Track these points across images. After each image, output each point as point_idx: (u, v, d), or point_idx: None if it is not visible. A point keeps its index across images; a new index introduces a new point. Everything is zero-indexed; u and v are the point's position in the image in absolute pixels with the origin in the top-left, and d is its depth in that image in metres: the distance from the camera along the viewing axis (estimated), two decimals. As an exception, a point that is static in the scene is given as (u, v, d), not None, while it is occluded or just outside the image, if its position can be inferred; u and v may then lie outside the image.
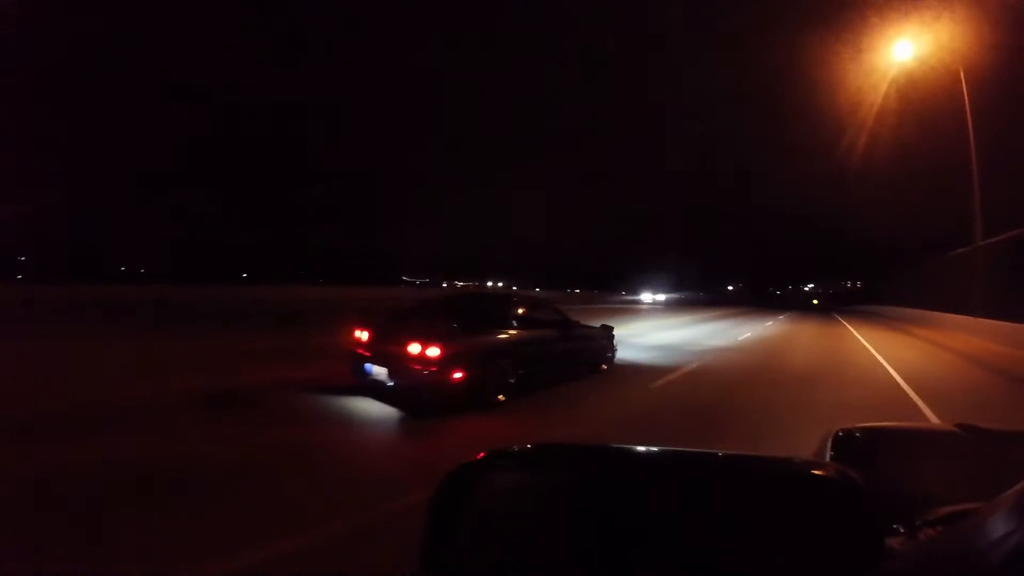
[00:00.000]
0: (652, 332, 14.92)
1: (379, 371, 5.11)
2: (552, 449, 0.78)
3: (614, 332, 8.03)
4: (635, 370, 7.70)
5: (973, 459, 1.13)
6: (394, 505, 2.73)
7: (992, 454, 1.13)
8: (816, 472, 0.63)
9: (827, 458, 1.11)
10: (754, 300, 68.85)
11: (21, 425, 4.02)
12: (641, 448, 0.73)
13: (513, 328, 5.74)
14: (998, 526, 0.42)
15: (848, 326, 19.33)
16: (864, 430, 1.28)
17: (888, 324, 21.01)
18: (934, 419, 4.89)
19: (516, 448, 0.72)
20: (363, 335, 5.51)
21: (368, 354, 5.32)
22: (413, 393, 4.86)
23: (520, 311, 6.10)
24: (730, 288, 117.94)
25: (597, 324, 7.88)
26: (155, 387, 5.52)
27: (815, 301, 76.36)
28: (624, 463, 0.71)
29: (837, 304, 63.20)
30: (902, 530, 0.68)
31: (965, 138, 15.28)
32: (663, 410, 5.30)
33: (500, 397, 5.18)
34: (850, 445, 1.19)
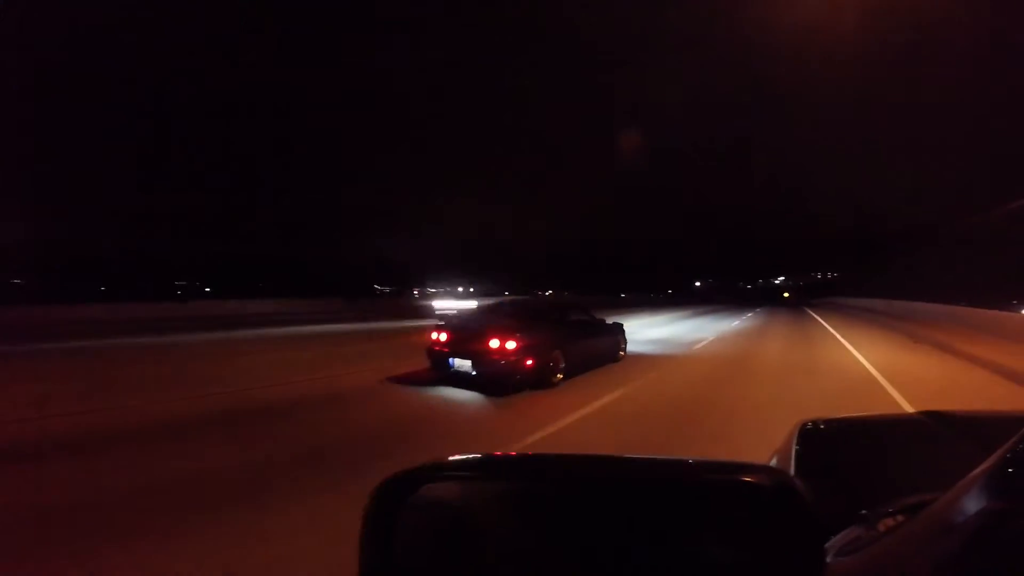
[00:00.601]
0: (637, 331, 16.69)
1: (462, 363, 6.63)
2: (488, 460, 0.76)
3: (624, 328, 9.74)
4: (641, 358, 9.48)
5: (937, 445, 1.16)
6: (526, 441, 4.31)
7: (955, 439, 1.16)
8: (748, 478, 0.59)
9: (793, 451, 1.13)
10: (724, 297, 69.82)
11: (280, 407, 5.61)
12: (578, 456, 0.73)
13: (562, 326, 7.38)
14: (958, 512, 0.42)
15: (824, 324, 18.78)
16: (829, 422, 1.31)
17: (866, 318, 21.33)
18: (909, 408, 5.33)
19: (451, 459, 0.70)
20: (442, 336, 7.02)
21: (448, 351, 6.83)
22: (494, 378, 6.38)
23: (565, 313, 7.83)
24: (697, 284, 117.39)
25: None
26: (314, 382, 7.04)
27: (786, 295, 78.14)
28: (558, 472, 0.70)
29: (809, 297, 65.55)
30: (865, 521, 0.68)
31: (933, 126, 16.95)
32: (658, 383, 7.05)
33: (558, 377, 6.82)
34: (816, 437, 1.22)
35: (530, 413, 5.46)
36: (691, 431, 4.73)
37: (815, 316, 24.15)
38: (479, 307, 8.60)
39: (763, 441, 2.58)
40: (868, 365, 8.50)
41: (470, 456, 0.71)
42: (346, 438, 4.55)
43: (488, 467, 0.72)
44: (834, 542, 0.66)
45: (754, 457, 0.96)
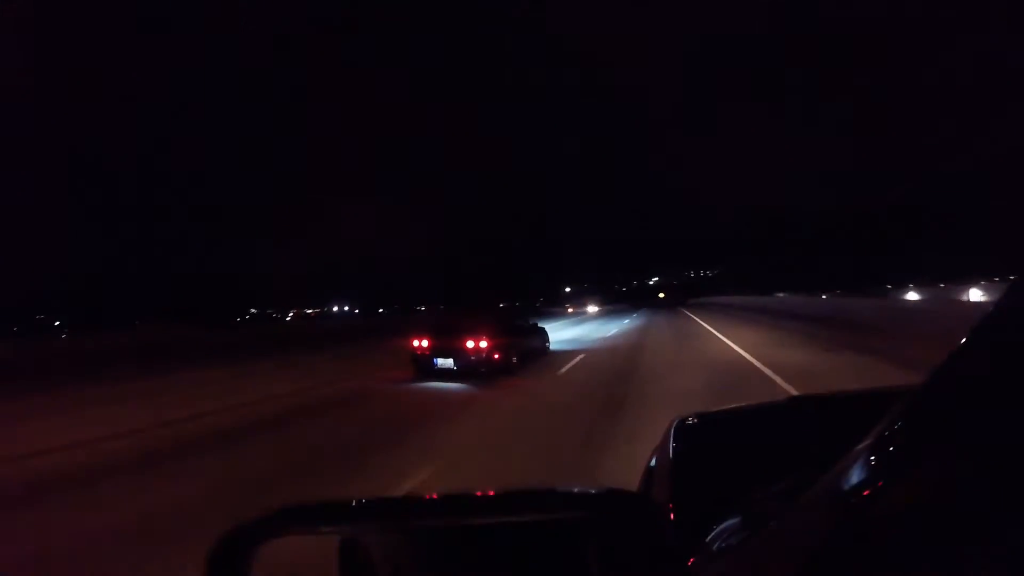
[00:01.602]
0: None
1: (444, 361, 9.10)
2: (338, 505, 0.70)
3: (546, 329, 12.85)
4: (559, 353, 12.67)
5: (811, 427, 1.20)
6: (528, 392, 7.02)
7: (831, 420, 1.20)
8: (599, 509, 0.61)
9: (670, 448, 1.15)
10: (593, 300, 66.80)
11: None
12: (425, 497, 0.68)
13: (512, 328, 10.21)
14: (835, 491, 0.43)
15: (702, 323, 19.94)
16: (703, 415, 1.37)
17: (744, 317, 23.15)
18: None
19: (301, 505, 0.65)
20: (423, 343, 9.41)
21: (430, 353, 9.26)
22: (471, 369, 8.92)
23: (512, 319, 10.75)
24: (568, 290, 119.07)
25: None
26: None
27: (662, 295, 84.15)
28: (408, 513, 0.69)
29: (686, 297, 67.92)
30: (743, 508, 0.69)
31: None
32: (582, 367, 10.20)
33: (514, 362, 9.61)
34: (690, 432, 1.27)
35: (512, 386, 8.14)
36: (619, 388, 7.72)
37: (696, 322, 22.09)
38: (445, 315, 11.14)
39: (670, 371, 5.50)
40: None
41: (325, 500, 0.68)
42: (385, 420, 6.70)
43: (342, 512, 0.69)
44: (715, 534, 0.67)
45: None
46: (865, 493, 0.39)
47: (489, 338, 9.08)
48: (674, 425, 1.28)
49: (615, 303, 64.96)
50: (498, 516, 0.64)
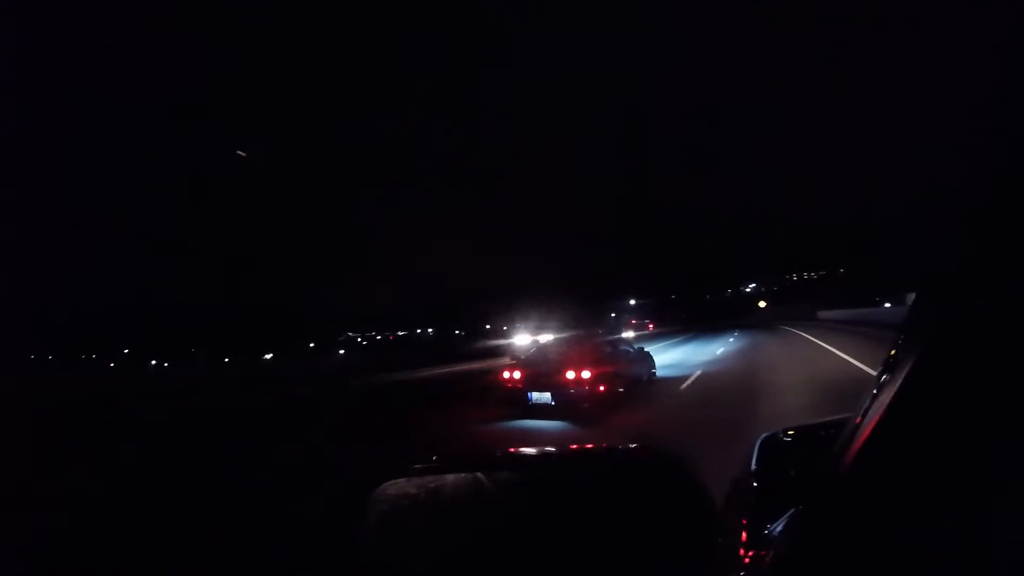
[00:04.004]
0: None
1: (540, 396, 8.27)
2: (431, 461, 0.94)
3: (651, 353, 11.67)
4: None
5: None
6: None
7: None
8: (633, 458, 0.78)
9: (752, 464, 1.21)
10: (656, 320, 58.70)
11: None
12: (491, 455, 1.01)
13: (619, 355, 9.22)
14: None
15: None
16: (787, 432, 1.41)
17: None
18: None
19: (401, 463, 0.87)
20: (515, 375, 8.66)
21: (524, 387, 8.46)
22: (572, 405, 8.02)
23: (619, 343, 9.77)
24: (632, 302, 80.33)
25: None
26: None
27: (762, 304, 68.88)
28: (480, 466, 0.88)
29: (785, 304, 51.69)
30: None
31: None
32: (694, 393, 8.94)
33: (620, 392, 8.63)
34: (775, 449, 1.31)
35: (623, 424, 7.16)
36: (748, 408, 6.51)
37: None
38: (542, 345, 10.42)
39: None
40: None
41: (424, 463, 0.93)
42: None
43: (430, 466, 0.93)
44: (773, 527, 0.75)
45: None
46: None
47: (592, 366, 8.16)
48: (759, 441, 1.31)
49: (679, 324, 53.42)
50: (546, 470, 0.90)
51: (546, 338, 15.40)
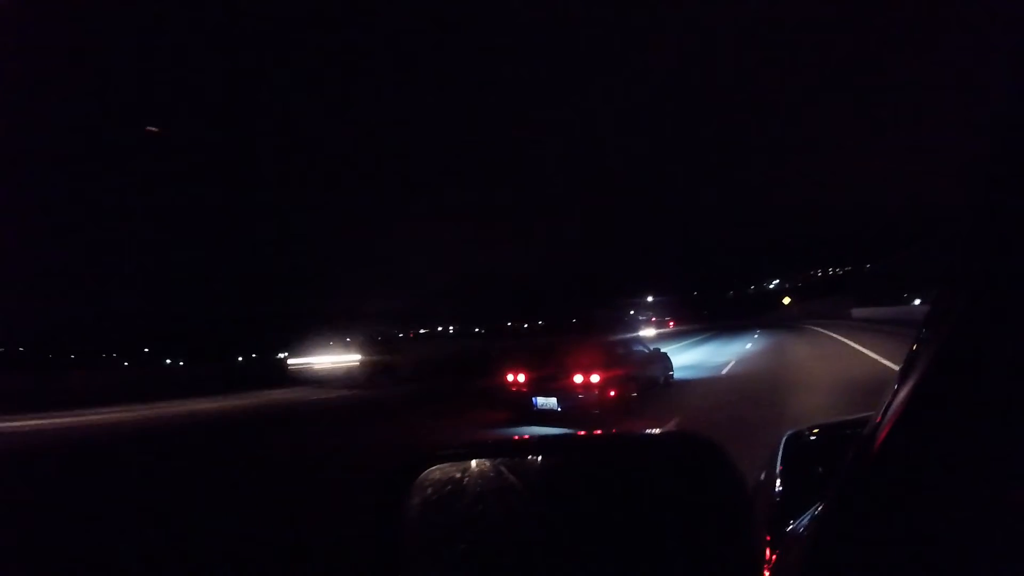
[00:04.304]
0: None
1: (546, 401, 7.64)
2: (471, 445, 0.98)
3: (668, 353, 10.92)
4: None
5: None
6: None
7: None
8: (668, 442, 0.82)
9: (778, 463, 1.23)
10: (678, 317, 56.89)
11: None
12: (534, 438, 1.14)
13: (632, 356, 8.54)
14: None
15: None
16: (812, 430, 1.41)
17: None
18: None
19: (443, 448, 0.89)
20: (519, 378, 8.04)
21: (528, 391, 7.85)
22: (580, 411, 7.39)
23: (633, 343, 9.14)
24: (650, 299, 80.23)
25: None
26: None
27: (786, 300, 63.35)
28: (522, 450, 0.93)
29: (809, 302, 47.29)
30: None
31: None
32: (718, 394, 8.21)
33: (634, 397, 7.98)
34: (800, 447, 1.31)
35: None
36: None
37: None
38: (549, 345, 9.80)
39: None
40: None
41: (462, 442, 0.95)
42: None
43: (471, 450, 0.91)
44: (797, 523, 0.77)
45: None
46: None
47: (602, 369, 7.50)
48: (784, 439, 1.32)
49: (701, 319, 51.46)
50: (583, 453, 0.91)
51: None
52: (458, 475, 0.88)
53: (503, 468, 0.86)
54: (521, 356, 9.03)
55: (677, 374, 11.19)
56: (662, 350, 10.76)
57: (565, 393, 7.50)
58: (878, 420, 0.49)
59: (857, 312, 30.27)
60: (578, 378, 7.43)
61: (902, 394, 0.46)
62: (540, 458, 0.88)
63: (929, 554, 0.41)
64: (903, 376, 0.48)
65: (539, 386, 7.83)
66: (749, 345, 20.52)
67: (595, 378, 7.37)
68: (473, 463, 0.89)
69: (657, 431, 0.96)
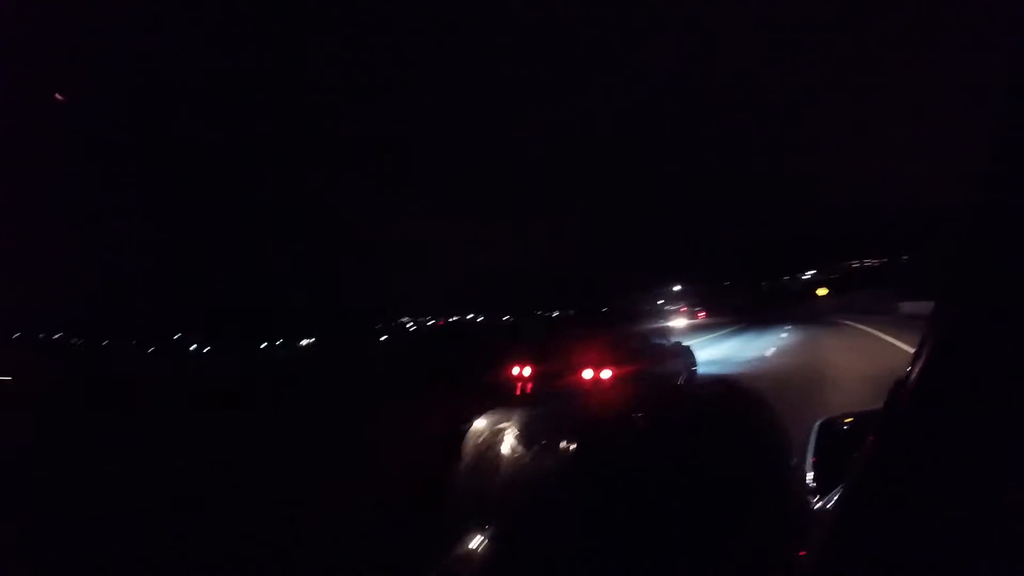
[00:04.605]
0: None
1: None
2: (523, 397, 1.65)
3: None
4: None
5: None
6: None
7: None
8: (716, 389, 1.24)
9: (811, 450, 1.28)
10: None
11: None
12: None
13: (649, 350, 7.80)
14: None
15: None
16: (844, 418, 1.41)
17: None
18: None
19: (494, 403, 1.03)
20: (525, 371, 7.42)
21: (532, 387, 7.22)
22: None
23: (650, 336, 8.33)
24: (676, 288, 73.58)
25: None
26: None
27: (821, 292, 58.64)
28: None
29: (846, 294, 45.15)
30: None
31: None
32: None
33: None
34: (833, 434, 1.32)
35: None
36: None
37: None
38: (556, 338, 9.07)
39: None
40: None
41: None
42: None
43: (522, 400, 1.19)
44: (826, 502, 0.85)
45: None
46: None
47: (615, 364, 6.81)
48: (817, 426, 1.34)
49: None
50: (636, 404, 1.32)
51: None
52: (510, 422, 1.08)
53: (558, 416, 1.16)
54: (528, 349, 8.38)
55: (701, 369, 10.41)
56: (684, 344, 9.98)
57: (572, 389, 6.84)
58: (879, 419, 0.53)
59: (908, 307, 23.56)
60: (587, 374, 6.76)
61: (905, 388, 0.47)
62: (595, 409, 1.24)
63: (929, 554, 0.41)
64: (906, 376, 0.48)
65: (544, 382, 7.19)
66: (771, 350, 16.56)
67: (606, 374, 6.69)
68: (525, 411, 1.17)
69: (705, 381, 0.83)
